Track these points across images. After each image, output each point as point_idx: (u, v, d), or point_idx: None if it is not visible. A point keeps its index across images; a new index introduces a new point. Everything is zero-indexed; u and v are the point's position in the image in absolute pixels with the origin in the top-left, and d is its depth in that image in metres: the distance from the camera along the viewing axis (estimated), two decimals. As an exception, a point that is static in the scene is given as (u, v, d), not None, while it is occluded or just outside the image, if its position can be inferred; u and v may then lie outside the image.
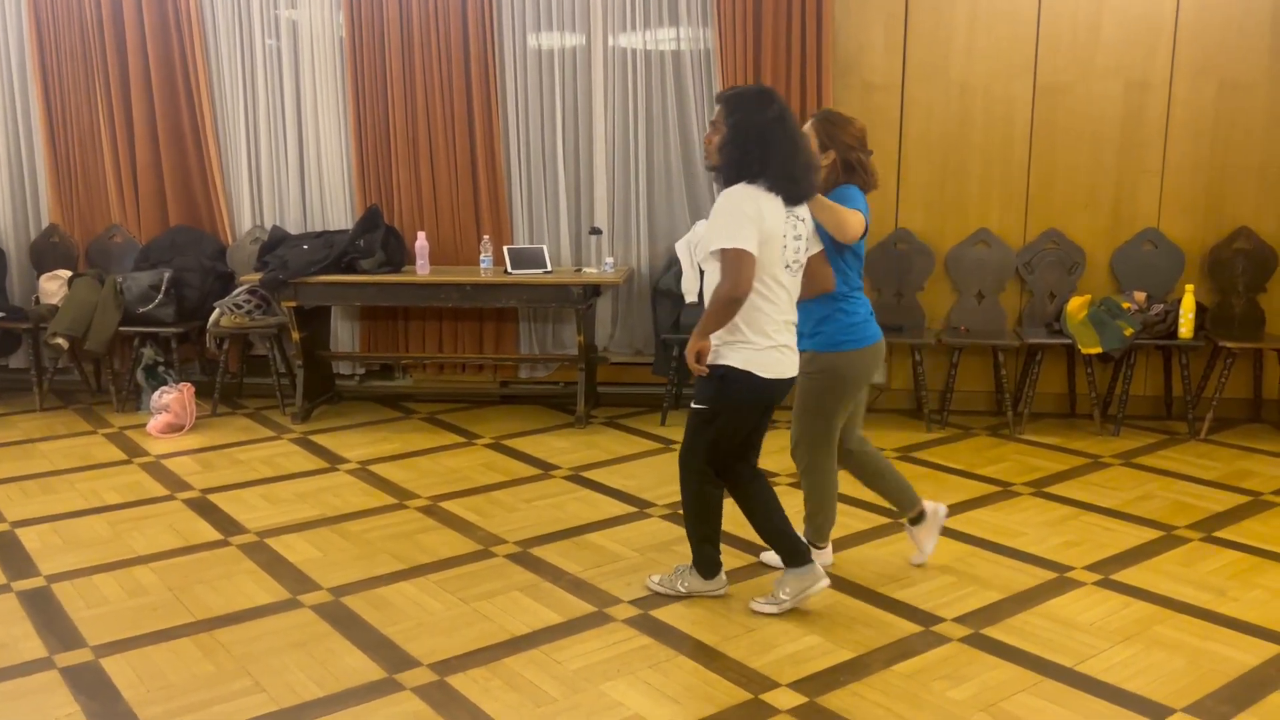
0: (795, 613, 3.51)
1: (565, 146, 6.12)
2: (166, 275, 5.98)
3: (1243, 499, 4.68)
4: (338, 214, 6.29)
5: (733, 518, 3.69)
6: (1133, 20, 5.66)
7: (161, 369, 6.09)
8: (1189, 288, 5.54)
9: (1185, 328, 5.50)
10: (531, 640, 3.36)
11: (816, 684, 3.09)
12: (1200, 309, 5.57)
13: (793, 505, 3.72)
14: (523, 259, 5.78)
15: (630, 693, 3.04)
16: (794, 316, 3.40)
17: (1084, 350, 5.54)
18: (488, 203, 6.12)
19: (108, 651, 3.29)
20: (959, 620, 3.49)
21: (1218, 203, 5.77)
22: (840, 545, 4.07)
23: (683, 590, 3.64)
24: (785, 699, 3.01)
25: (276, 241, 6.03)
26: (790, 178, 3.25)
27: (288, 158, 6.31)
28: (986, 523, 4.38)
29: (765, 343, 3.30)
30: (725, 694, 3.04)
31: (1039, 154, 5.84)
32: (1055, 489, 4.81)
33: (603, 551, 4.08)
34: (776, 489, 3.65)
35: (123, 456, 5.31)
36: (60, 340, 5.87)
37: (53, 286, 6.15)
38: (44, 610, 3.58)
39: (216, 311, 5.91)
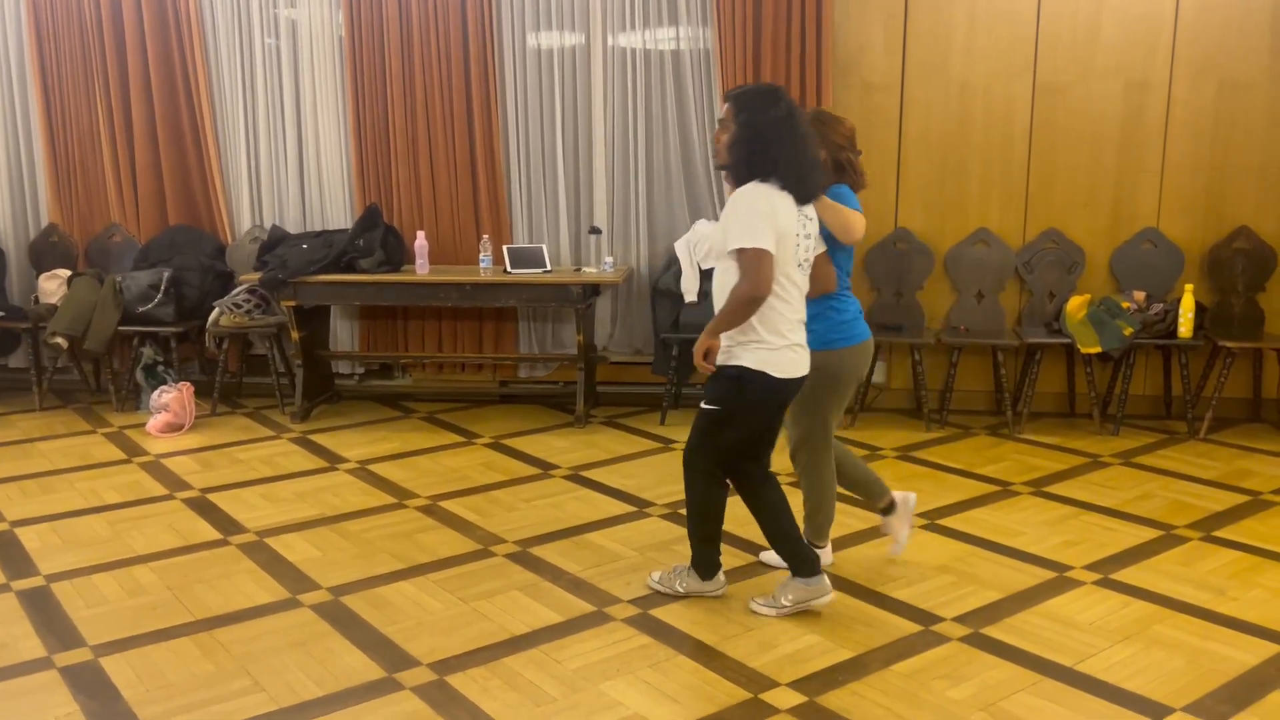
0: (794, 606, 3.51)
1: (565, 146, 6.11)
2: (166, 275, 5.98)
3: (1242, 498, 4.68)
4: (337, 213, 6.29)
5: (733, 517, 3.69)
6: (1132, 20, 5.66)
7: (161, 368, 6.09)
8: (1188, 287, 5.54)
9: (1185, 327, 5.50)
10: (531, 640, 3.36)
11: (816, 683, 3.09)
12: (1200, 308, 5.57)
13: (792, 504, 3.71)
14: (522, 258, 5.78)
15: (630, 692, 3.04)
16: (805, 315, 3.39)
17: (1083, 350, 5.55)
18: (487, 202, 6.12)
19: (107, 651, 3.29)
20: (958, 620, 3.49)
21: (1217, 202, 5.77)
22: (839, 545, 4.07)
23: (680, 590, 3.64)
24: (785, 698, 3.01)
25: (276, 241, 6.03)
26: (801, 175, 3.25)
27: (287, 157, 6.31)
28: (986, 522, 4.38)
29: (780, 342, 3.29)
30: (725, 693, 3.04)
31: (1039, 154, 5.84)
32: (1055, 488, 4.81)
33: (602, 551, 4.08)
34: (776, 488, 3.65)
35: (122, 456, 5.31)
36: (59, 339, 5.87)
37: (52, 286, 6.15)
38: (43, 610, 3.58)
39: (216, 311, 5.90)
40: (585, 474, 5.03)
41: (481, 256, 5.83)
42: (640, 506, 4.58)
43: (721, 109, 3.40)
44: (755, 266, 3.16)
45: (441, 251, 6.15)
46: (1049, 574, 3.86)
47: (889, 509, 3.91)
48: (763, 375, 3.29)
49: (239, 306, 5.85)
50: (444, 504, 4.61)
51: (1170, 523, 4.38)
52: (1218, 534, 4.26)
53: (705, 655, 3.26)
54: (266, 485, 4.86)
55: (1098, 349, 5.53)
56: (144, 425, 5.74)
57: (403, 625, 3.46)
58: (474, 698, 3.02)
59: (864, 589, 3.73)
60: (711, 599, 3.62)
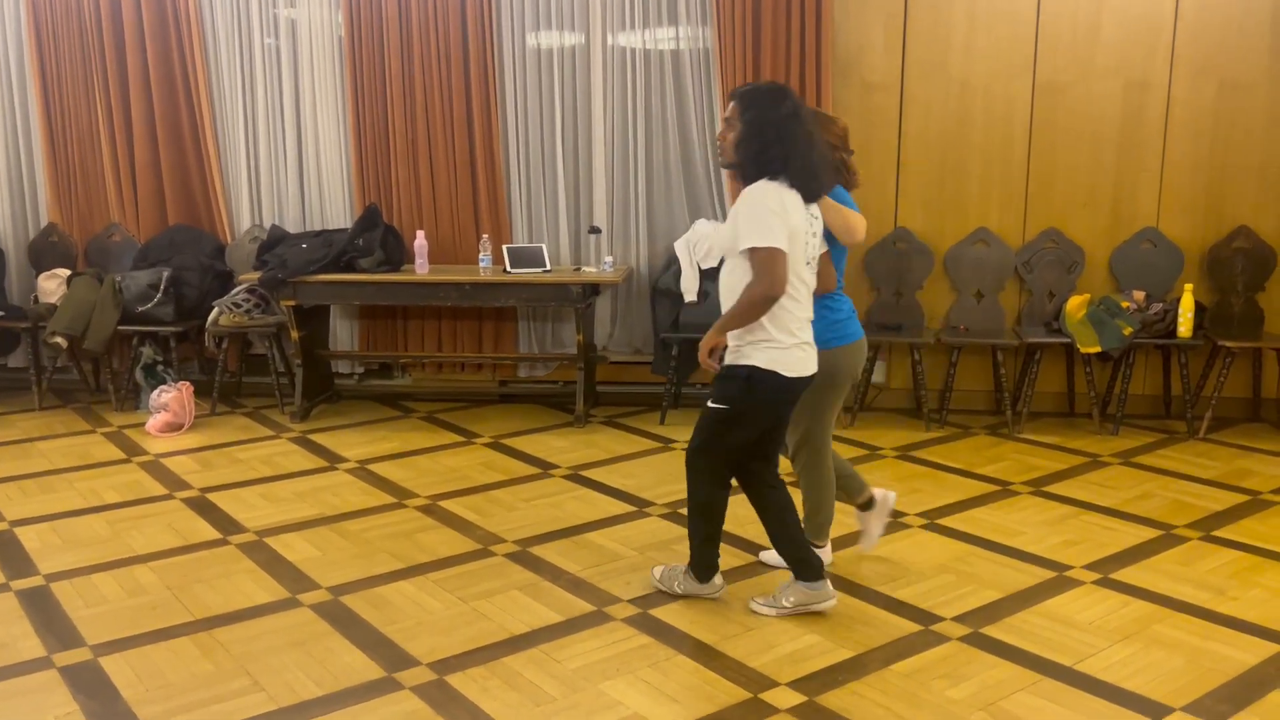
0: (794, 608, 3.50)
1: (564, 145, 6.11)
2: (165, 274, 5.98)
3: (1242, 498, 4.68)
4: (336, 213, 6.29)
5: (732, 517, 3.68)
6: (1132, 20, 5.66)
7: (160, 368, 6.09)
8: (1188, 287, 5.54)
9: (1184, 327, 5.50)
10: (531, 639, 3.36)
11: (816, 683, 3.09)
12: (1199, 308, 5.57)
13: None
14: (522, 258, 5.77)
15: (629, 692, 3.04)
16: (812, 313, 3.39)
17: (1083, 349, 5.55)
18: (487, 202, 6.12)
19: (106, 651, 3.29)
20: (958, 619, 3.49)
21: (1217, 202, 5.77)
22: (839, 544, 4.06)
23: (678, 591, 3.63)
24: (784, 698, 3.01)
25: (275, 240, 6.03)
26: (810, 173, 3.24)
27: (286, 157, 6.31)
28: (985, 522, 4.38)
29: (790, 341, 3.27)
30: (724, 693, 3.04)
31: (1038, 153, 5.84)
32: (1054, 488, 4.81)
33: (602, 550, 4.08)
34: (775, 488, 3.65)
35: (122, 455, 5.31)
36: (59, 339, 5.87)
37: (51, 285, 6.15)
38: (43, 609, 3.58)
39: (215, 310, 5.90)
40: (585, 474, 5.03)
41: (481, 256, 5.83)
42: (640, 506, 4.58)
43: (726, 107, 3.37)
44: (770, 266, 3.15)
45: (441, 251, 6.15)
46: (1048, 574, 3.86)
47: (867, 505, 3.92)
48: (773, 374, 3.27)
49: (238, 306, 5.85)
50: (444, 504, 4.61)
51: (1170, 522, 4.38)
52: (1217, 534, 4.26)
53: (705, 655, 3.26)
54: (266, 485, 4.86)
55: (1097, 349, 5.53)
56: (143, 425, 5.74)
57: (402, 625, 3.46)
58: (474, 697, 3.01)
59: (864, 589, 3.73)
60: (712, 600, 3.62)
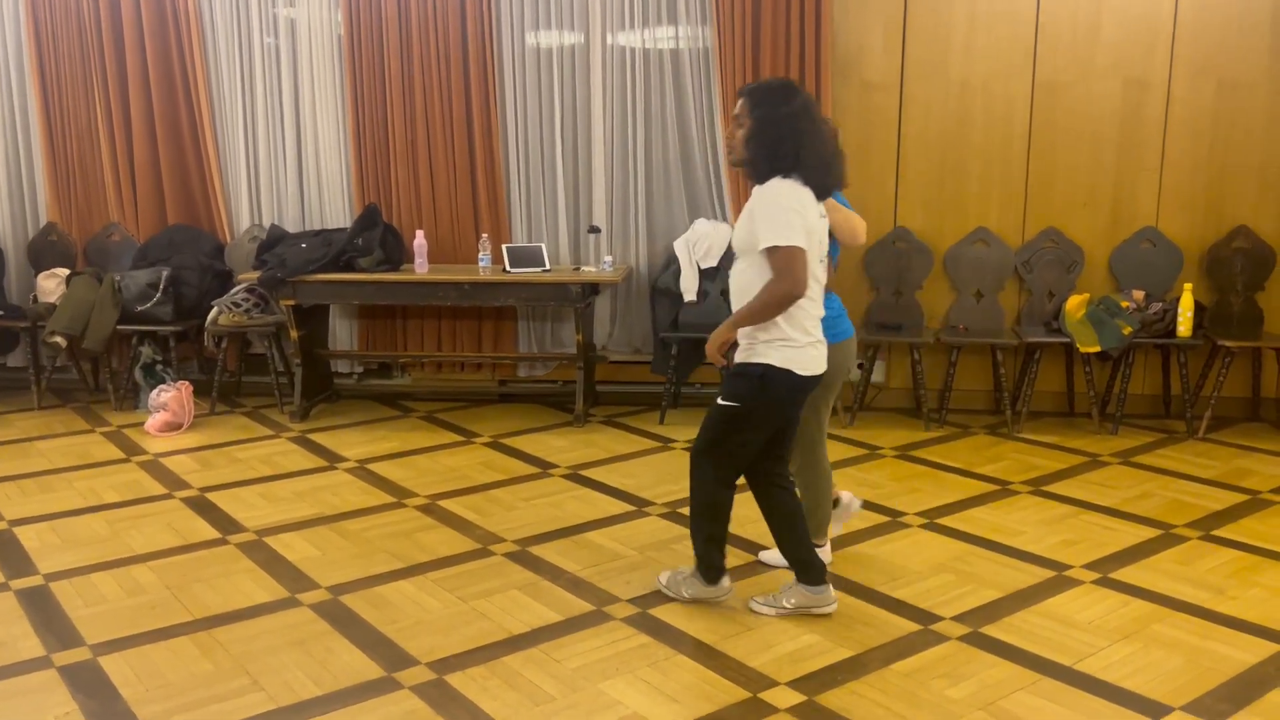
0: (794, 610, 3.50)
1: (564, 145, 6.11)
2: (165, 274, 5.97)
3: (1241, 497, 4.68)
4: (336, 212, 6.29)
5: (733, 515, 3.67)
6: (1132, 19, 5.66)
7: (160, 367, 6.09)
8: (1187, 286, 5.54)
9: (1184, 326, 5.50)
10: (530, 639, 3.35)
11: (815, 682, 3.09)
12: (1199, 308, 5.57)
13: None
14: (521, 257, 5.77)
15: (629, 691, 3.04)
16: (823, 311, 3.37)
17: (1082, 349, 5.55)
18: (486, 201, 6.12)
19: (106, 650, 3.29)
20: (957, 619, 3.49)
21: (1216, 202, 5.77)
22: (838, 544, 4.06)
23: (686, 597, 3.58)
24: (784, 697, 3.01)
25: (275, 240, 6.03)
26: (823, 169, 3.22)
27: (286, 156, 6.31)
28: (985, 521, 4.38)
29: (805, 339, 3.26)
30: (724, 692, 3.04)
31: (1038, 153, 5.84)
32: (1054, 487, 4.81)
33: (601, 550, 4.08)
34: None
35: (121, 455, 5.30)
36: (58, 338, 5.86)
37: (50, 285, 6.15)
38: (42, 609, 3.58)
39: (215, 310, 5.90)
40: (584, 473, 5.02)
41: (480, 255, 5.82)
42: (639, 506, 4.58)
43: (735, 105, 3.35)
44: (790, 265, 3.12)
45: (440, 250, 6.15)
46: (1048, 573, 3.86)
47: (833, 504, 3.94)
48: (788, 373, 3.24)
49: (238, 305, 5.85)
50: (443, 503, 4.61)
51: (1169, 522, 4.38)
52: (1217, 533, 4.26)
53: (704, 654, 3.26)
54: (265, 484, 4.86)
55: (1097, 348, 5.53)
56: (143, 424, 5.74)
57: (402, 624, 3.46)
58: (473, 697, 3.01)
59: (863, 588, 3.73)
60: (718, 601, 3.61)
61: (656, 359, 6.05)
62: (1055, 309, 5.79)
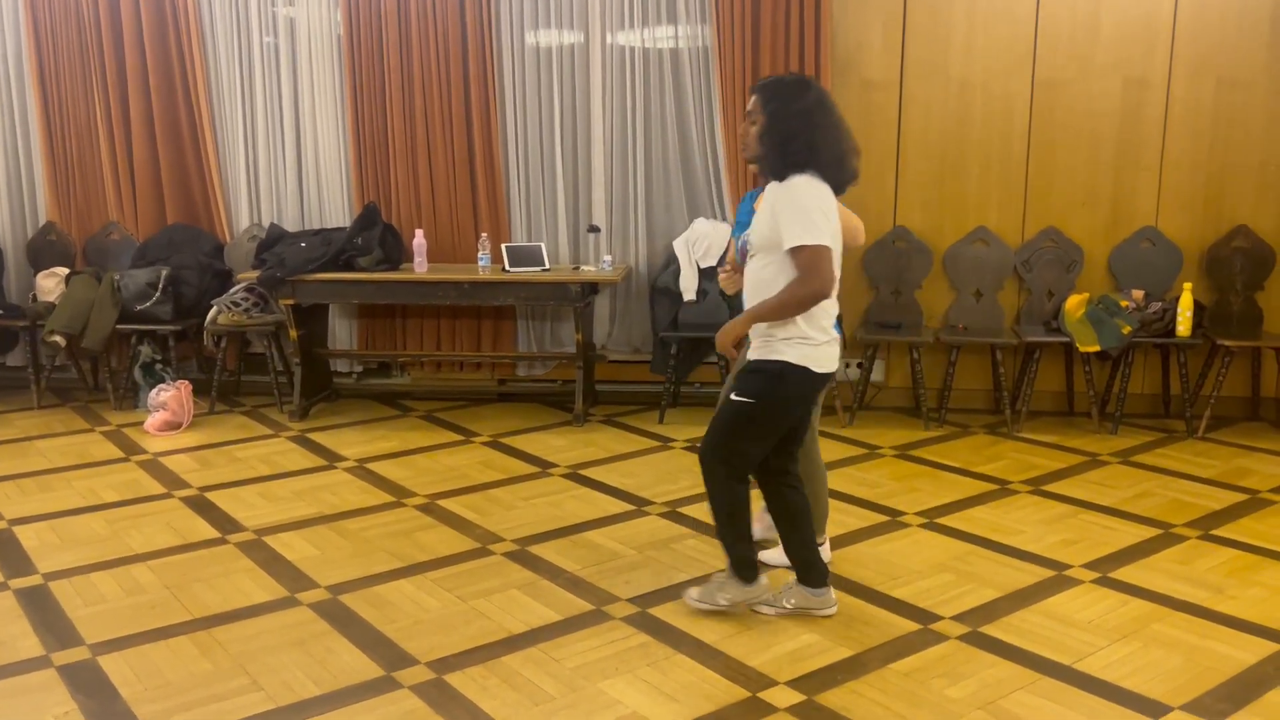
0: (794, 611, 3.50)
1: (563, 144, 6.11)
2: (164, 273, 5.97)
3: (1240, 497, 4.69)
4: (335, 212, 6.29)
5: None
6: (1131, 18, 5.66)
7: (159, 366, 6.09)
8: (1187, 286, 5.54)
9: (1183, 326, 5.50)
10: (529, 638, 3.35)
11: (815, 682, 3.09)
12: (1198, 307, 5.57)
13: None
14: (521, 257, 5.77)
15: (628, 691, 3.04)
16: (838, 309, 3.35)
17: (1082, 348, 5.55)
18: (486, 200, 6.12)
19: (105, 650, 3.29)
20: (957, 618, 3.49)
21: (1216, 201, 5.77)
22: (838, 543, 4.07)
23: (724, 604, 3.48)
24: (783, 697, 3.01)
25: (274, 239, 6.03)
26: (839, 164, 3.19)
27: (285, 155, 6.30)
28: (984, 521, 4.38)
29: (822, 338, 3.24)
30: (723, 692, 3.04)
31: (1037, 152, 5.84)
32: (1053, 487, 4.81)
33: (601, 549, 4.08)
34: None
35: (120, 454, 5.30)
36: (57, 337, 5.86)
37: (50, 284, 6.14)
38: (41, 608, 3.58)
39: (214, 309, 5.90)
40: (584, 472, 5.02)
41: (480, 255, 5.82)
42: (639, 505, 4.58)
43: (749, 101, 3.32)
44: (818, 264, 3.09)
45: (440, 250, 6.15)
46: (1047, 572, 3.86)
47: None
48: (805, 370, 3.21)
49: (237, 305, 5.85)
50: (442, 502, 4.61)
51: (1169, 521, 4.38)
52: (1216, 532, 4.26)
53: (704, 654, 3.25)
54: (265, 484, 4.86)
55: (1096, 348, 5.53)
56: (142, 423, 5.73)
57: (401, 624, 3.46)
58: (472, 696, 3.01)
59: (863, 587, 3.73)
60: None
61: (656, 358, 6.05)
62: (1055, 308, 5.79)
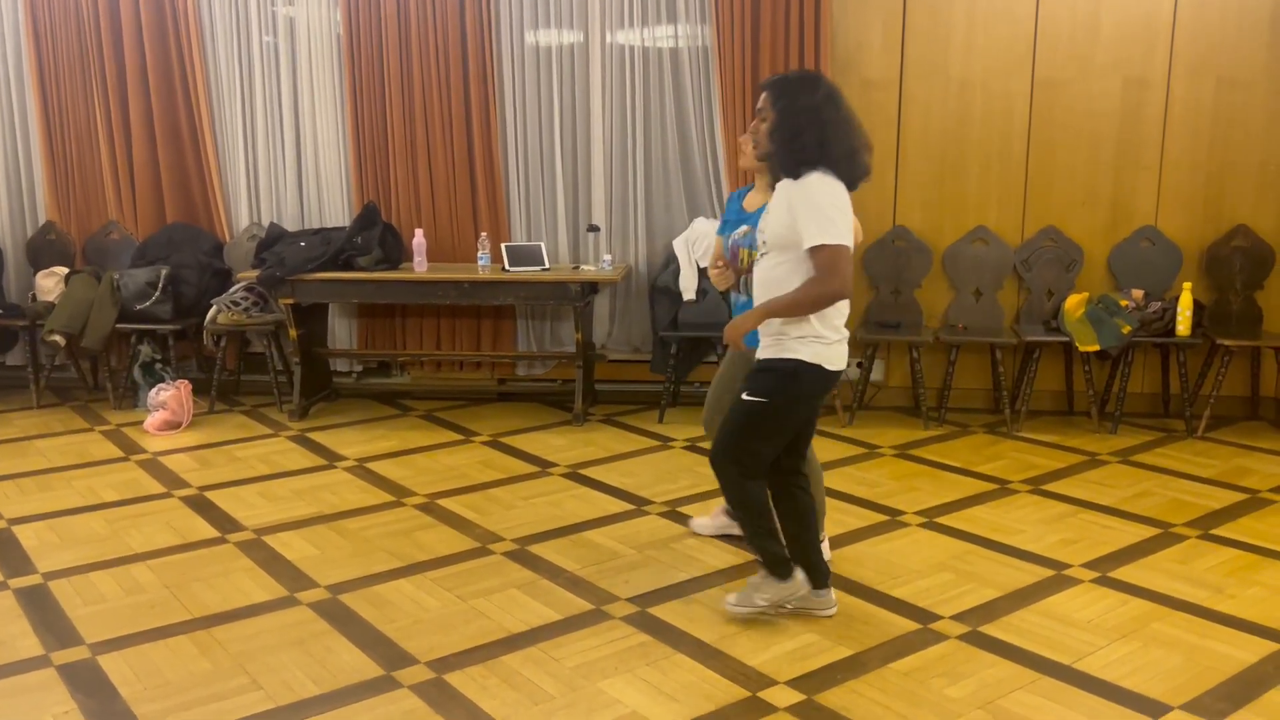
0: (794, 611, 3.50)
1: (563, 144, 6.11)
2: (163, 272, 5.97)
3: (1240, 496, 4.69)
4: (335, 211, 6.28)
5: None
6: (1131, 17, 5.66)
7: (159, 366, 6.09)
8: (1187, 285, 5.54)
9: (1183, 325, 5.50)
10: (529, 638, 3.35)
11: (814, 681, 3.09)
12: (1198, 306, 5.57)
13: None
14: (520, 256, 5.77)
15: (628, 690, 3.04)
16: (849, 308, 3.34)
17: (1081, 348, 5.54)
18: (485, 200, 6.12)
19: (105, 649, 3.29)
20: (956, 618, 3.49)
21: (1216, 200, 5.77)
22: (838, 543, 4.07)
23: (762, 604, 3.42)
24: (783, 696, 3.01)
25: (274, 239, 6.02)
26: (851, 160, 3.18)
27: (285, 155, 6.30)
28: (984, 520, 4.38)
29: (835, 336, 3.23)
30: (723, 691, 3.04)
31: (1037, 151, 5.84)
32: (1053, 486, 4.81)
33: (600, 549, 4.08)
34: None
35: (120, 454, 5.30)
36: (57, 337, 5.86)
37: (49, 283, 6.14)
38: (41, 608, 3.58)
39: (214, 309, 5.90)
40: (583, 472, 5.02)
41: (480, 254, 5.82)
42: (639, 504, 4.57)
43: (758, 99, 3.31)
44: (838, 263, 3.07)
45: (439, 249, 6.15)
46: (1047, 572, 3.86)
47: (735, 516, 4.00)
48: (818, 368, 3.21)
49: (237, 304, 5.85)
50: (442, 502, 4.61)
51: (1168, 521, 4.38)
52: (1216, 532, 4.26)
53: (703, 653, 3.25)
54: (264, 483, 4.86)
55: (1096, 347, 5.53)
56: (141, 423, 5.73)
57: (401, 623, 3.46)
58: (472, 696, 3.01)
59: (862, 587, 3.73)
60: (708, 597, 3.60)
61: (656, 358, 6.04)
62: (1054, 308, 5.79)
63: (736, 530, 4.07)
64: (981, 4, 5.74)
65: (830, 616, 3.47)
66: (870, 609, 3.56)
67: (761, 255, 3.29)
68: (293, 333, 5.85)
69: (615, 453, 5.32)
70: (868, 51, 5.84)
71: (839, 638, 3.34)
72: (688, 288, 5.74)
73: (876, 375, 6.09)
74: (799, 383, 3.23)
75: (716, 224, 5.82)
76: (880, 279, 5.96)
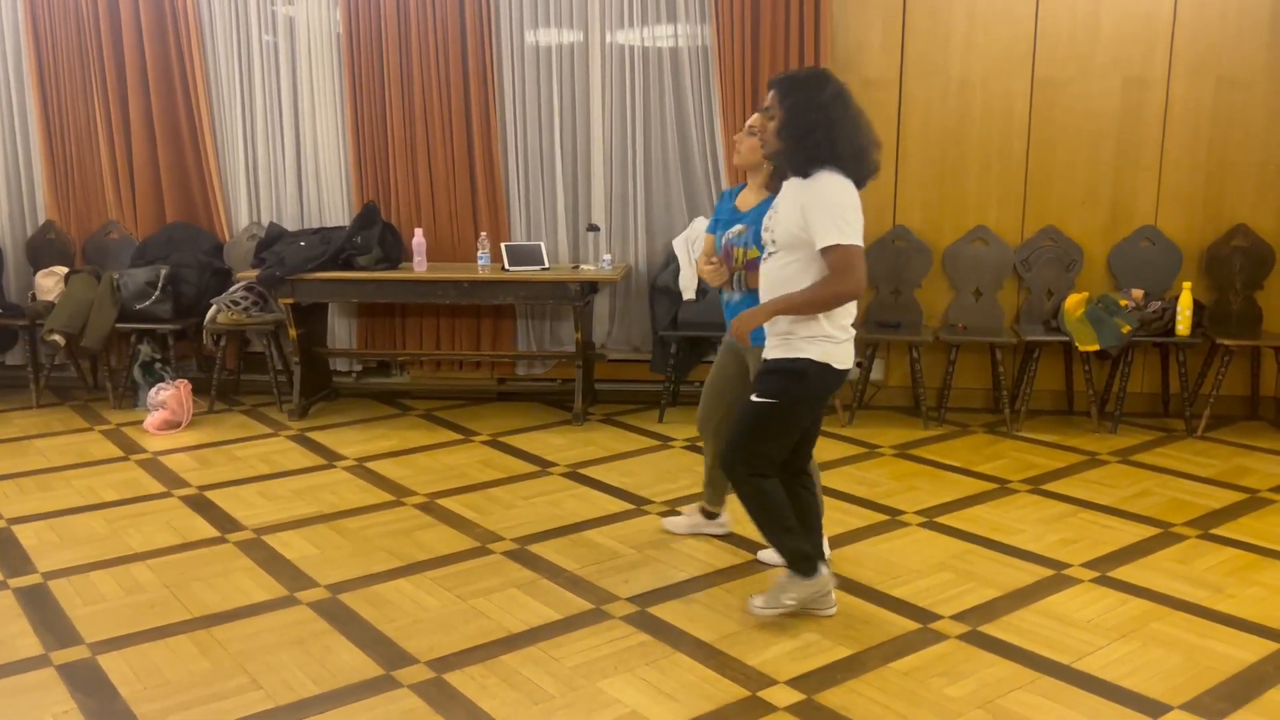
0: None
1: (563, 143, 6.11)
2: (163, 272, 5.97)
3: (1240, 496, 4.69)
4: (335, 211, 6.28)
5: (731, 514, 3.68)
6: (1131, 17, 5.66)
7: (158, 366, 6.08)
8: (1186, 285, 5.54)
9: (1183, 325, 5.50)
10: (529, 637, 3.35)
11: (814, 681, 3.09)
12: (1198, 306, 5.57)
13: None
14: (520, 256, 5.77)
15: (628, 690, 3.04)
16: (855, 309, 3.34)
17: (1081, 348, 5.54)
18: (485, 199, 6.12)
19: (104, 649, 3.29)
20: (956, 617, 3.49)
21: (1215, 200, 5.77)
22: (837, 543, 4.06)
23: (790, 604, 3.39)
24: (783, 696, 3.01)
25: (273, 238, 6.02)
26: (860, 157, 3.18)
27: (285, 154, 6.30)
28: (984, 520, 4.38)
29: (843, 336, 3.23)
30: (723, 691, 3.04)
31: (1037, 151, 5.83)
32: (1052, 486, 4.81)
33: (600, 549, 4.08)
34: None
35: (119, 453, 5.30)
36: (57, 336, 5.86)
37: (49, 283, 6.14)
38: (41, 607, 3.58)
39: (213, 308, 5.90)
40: (583, 471, 5.02)
41: (479, 254, 5.82)
42: (638, 504, 4.57)
43: (765, 97, 3.30)
44: (852, 264, 3.07)
45: (439, 249, 6.15)
46: (1047, 572, 3.86)
47: (711, 516, 4.10)
48: (826, 368, 3.21)
49: (236, 304, 5.85)
50: (442, 501, 4.61)
51: (1168, 520, 4.38)
52: (1215, 532, 4.26)
53: (703, 653, 3.25)
54: (264, 483, 4.86)
55: (1096, 347, 5.53)
56: (141, 423, 5.73)
57: (400, 623, 3.45)
58: (472, 695, 3.01)
59: (862, 587, 3.72)
60: (708, 597, 3.60)
61: (655, 357, 6.04)
62: (1054, 307, 5.79)
63: (711, 529, 4.12)
64: (981, 4, 5.73)
65: (830, 616, 3.47)
66: (870, 609, 3.56)
67: (770, 254, 3.29)
68: (292, 332, 5.85)
69: (615, 452, 5.32)
70: (868, 51, 5.84)
71: (839, 637, 3.34)
72: (688, 287, 5.72)
73: (876, 375, 6.09)
74: (807, 382, 3.23)
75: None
76: (880, 279, 5.96)
